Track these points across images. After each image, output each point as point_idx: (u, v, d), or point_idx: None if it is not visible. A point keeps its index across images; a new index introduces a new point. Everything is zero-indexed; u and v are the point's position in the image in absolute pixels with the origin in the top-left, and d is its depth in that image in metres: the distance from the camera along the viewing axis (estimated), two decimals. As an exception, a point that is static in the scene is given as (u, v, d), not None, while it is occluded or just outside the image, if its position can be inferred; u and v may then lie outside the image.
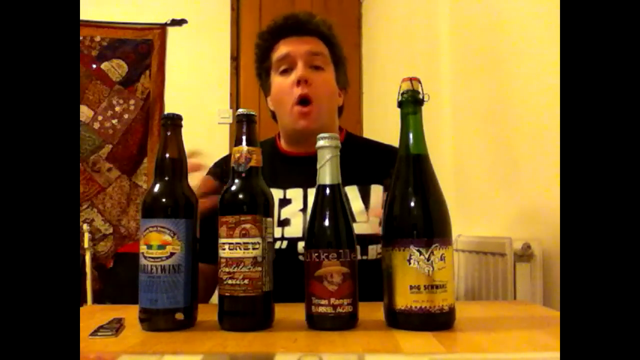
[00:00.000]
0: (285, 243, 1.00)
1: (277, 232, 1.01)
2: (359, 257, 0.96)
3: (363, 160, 1.08)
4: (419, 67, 2.08)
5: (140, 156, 3.02)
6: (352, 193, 1.03)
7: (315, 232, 0.65)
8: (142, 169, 3.02)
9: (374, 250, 0.98)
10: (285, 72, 1.06)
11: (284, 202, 1.04)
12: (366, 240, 0.98)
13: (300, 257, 0.98)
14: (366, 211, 1.03)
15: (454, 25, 1.78)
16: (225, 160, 1.14)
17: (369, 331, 0.63)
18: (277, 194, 1.04)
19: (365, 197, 1.04)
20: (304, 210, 1.03)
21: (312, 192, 1.03)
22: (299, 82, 1.02)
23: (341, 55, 1.13)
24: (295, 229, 1.01)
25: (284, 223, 1.02)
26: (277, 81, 1.07)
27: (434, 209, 0.64)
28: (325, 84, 1.06)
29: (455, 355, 0.54)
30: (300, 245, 0.99)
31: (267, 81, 1.12)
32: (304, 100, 1.02)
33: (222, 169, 1.11)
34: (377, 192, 1.05)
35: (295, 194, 1.05)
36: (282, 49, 1.06)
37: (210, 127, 3.00)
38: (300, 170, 1.03)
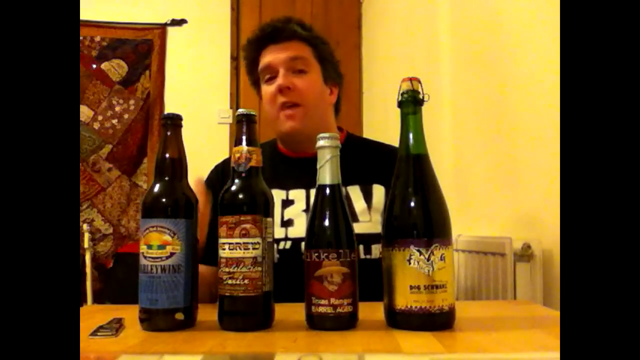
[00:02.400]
0: (289, 243, 1.01)
1: (281, 232, 1.01)
2: (362, 256, 0.97)
3: (365, 160, 1.08)
4: (419, 67, 2.08)
5: (140, 156, 3.02)
6: (355, 192, 1.04)
7: (315, 232, 0.65)
8: (142, 169, 3.02)
9: (377, 250, 0.99)
10: (270, 80, 1.07)
11: (287, 202, 1.05)
12: (369, 239, 0.98)
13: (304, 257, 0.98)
14: (369, 210, 1.03)
15: (454, 25, 1.78)
16: (225, 163, 1.14)
17: (369, 331, 0.63)
18: (279, 194, 1.05)
19: (368, 197, 1.04)
20: (306, 211, 1.03)
21: (314, 193, 1.04)
22: (281, 90, 1.04)
23: (326, 53, 1.12)
24: (299, 229, 1.02)
25: (287, 223, 1.03)
26: (264, 90, 1.09)
27: (434, 209, 0.64)
28: (310, 87, 1.06)
29: (455, 355, 0.54)
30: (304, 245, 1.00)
31: (260, 91, 1.13)
32: (289, 105, 1.04)
33: (221, 172, 1.11)
34: (379, 192, 1.05)
35: (297, 194, 1.05)
36: (265, 59, 1.08)
37: (210, 127, 3.00)
38: (302, 171, 1.03)
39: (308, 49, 1.08)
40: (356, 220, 1.01)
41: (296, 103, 1.04)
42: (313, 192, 1.05)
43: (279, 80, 1.04)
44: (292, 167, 1.09)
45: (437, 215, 0.64)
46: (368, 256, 0.98)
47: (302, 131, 1.04)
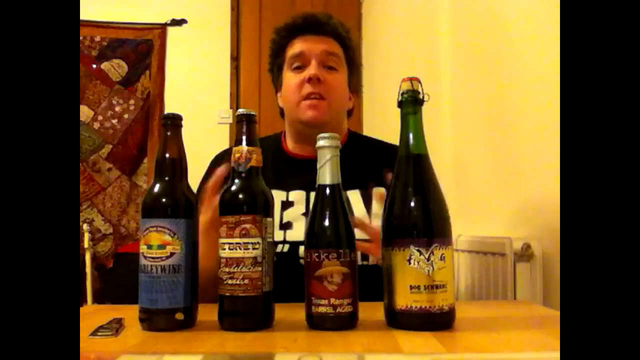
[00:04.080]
0: (287, 247, 1.00)
1: (279, 235, 1.00)
2: (359, 262, 0.95)
3: (367, 161, 1.07)
4: (419, 67, 2.08)
5: (140, 156, 3.02)
6: (354, 197, 1.02)
7: (316, 232, 0.65)
8: (142, 169, 3.02)
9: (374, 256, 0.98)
10: (298, 69, 1.05)
11: (287, 204, 1.04)
12: None
13: (302, 262, 0.97)
14: (368, 216, 1.02)
15: (454, 25, 1.78)
16: (226, 153, 1.13)
17: (369, 331, 0.63)
18: (279, 195, 1.03)
19: (367, 202, 1.03)
20: (306, 214, 1.02)
21: (314, 196, 1.03)
22: (310, 80, 1.02)
23: (355, 59, 1.13)
24: (298, 232, 1.00)
25: (286, 226, 1.02)
26: (288, 77, 1.07)
27: (434, 209, 0.64)
28: (337, 85, 1.06)
29: (455, 355, 0.54)
30: (302, 249, 0.98)
31: (279, 77, 1.12)
32: (314, 97, 1.02)
33: (221, 161, 1.10)
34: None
35: (297, 196, 1.04)
36: (298, 46, 1.06)
37: (210, 127, 3.00)
38: (303, 173, 1.02)
39: (341, 50, 1.08)
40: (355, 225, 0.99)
41: (322, 96, 1.03)
42: (313, 194, 1.05)
43: (312, 70, 1.02)
44: (294, 168, 1.08)
45: (437, 215, 0.64)
46: (365, 262, 0.96)
47: (322, 123, 1.02)
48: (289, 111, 1.08)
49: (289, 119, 1.11)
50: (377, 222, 1.00)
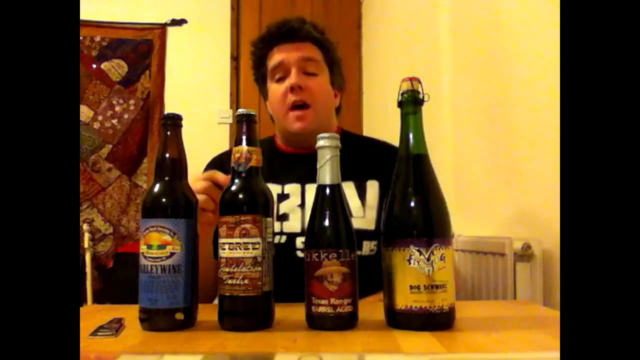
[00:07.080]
0: (284, 238, 1.02)
1: (276, 226, 1.03)
2: None
3: (359, 155, 1.09)
4: (419, 67, 2.08)
5: (140, 156, 3.02)
6: (349, 189, 1.05)
7: (316, 232, 0.65)
8: (142, 169, 3.02)
9: (367, 247, 1.00)
10: (281, 79, 1.08)
11: (282, 197, 1.07)
12: (361, 235, 0.98)
13: (298, 253, 1.00)
14: (363, 207, 1.05)
15: (454, 25, 1.78)
16: (223, 157, 1.15)
17: (369, 331, 0.63)
18: (275, 189, 1.06)
19: (362, 194, 1.06)
20: (301, 205, 1.05)
21: (309, 188, 1.06)
22: (292, 89, 1.04)
23: (335, 57, 1.14)
24: (294, 224, 1.03)
25: (282, 218, 1.04)
26: (273, 89, 1.10)
27: (434, 209, 0.64)
28: (320, 89, 1.08)
29: (455, 355, 0.54)
30: (299, 240, 1.02)
31: (264, 87, 1.14)
32: (299, 105, 1.05)
33: (219, 164, 1.11)
34: (373, 188, 1.06)
35: (293, 189, 1.07)
36: (276, 56, 1.08)
37: (210, 127, 3.00)
38: (298, 167, 1.07)
39: (319, 52, 1.10)
40: (350, 215, 1.02)
41: (306, 103, 1.05)
42: (308, 187, 1.08)
43: (292, 79, 1.05)
44: (288, 162, 1.11)
45: (437, 215, 0.64)
46: (359, 252, 0.98)
47: (311, 132, 1.02)
48: (278, 121, 1.12)
49: (279, 128, 1.14)
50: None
